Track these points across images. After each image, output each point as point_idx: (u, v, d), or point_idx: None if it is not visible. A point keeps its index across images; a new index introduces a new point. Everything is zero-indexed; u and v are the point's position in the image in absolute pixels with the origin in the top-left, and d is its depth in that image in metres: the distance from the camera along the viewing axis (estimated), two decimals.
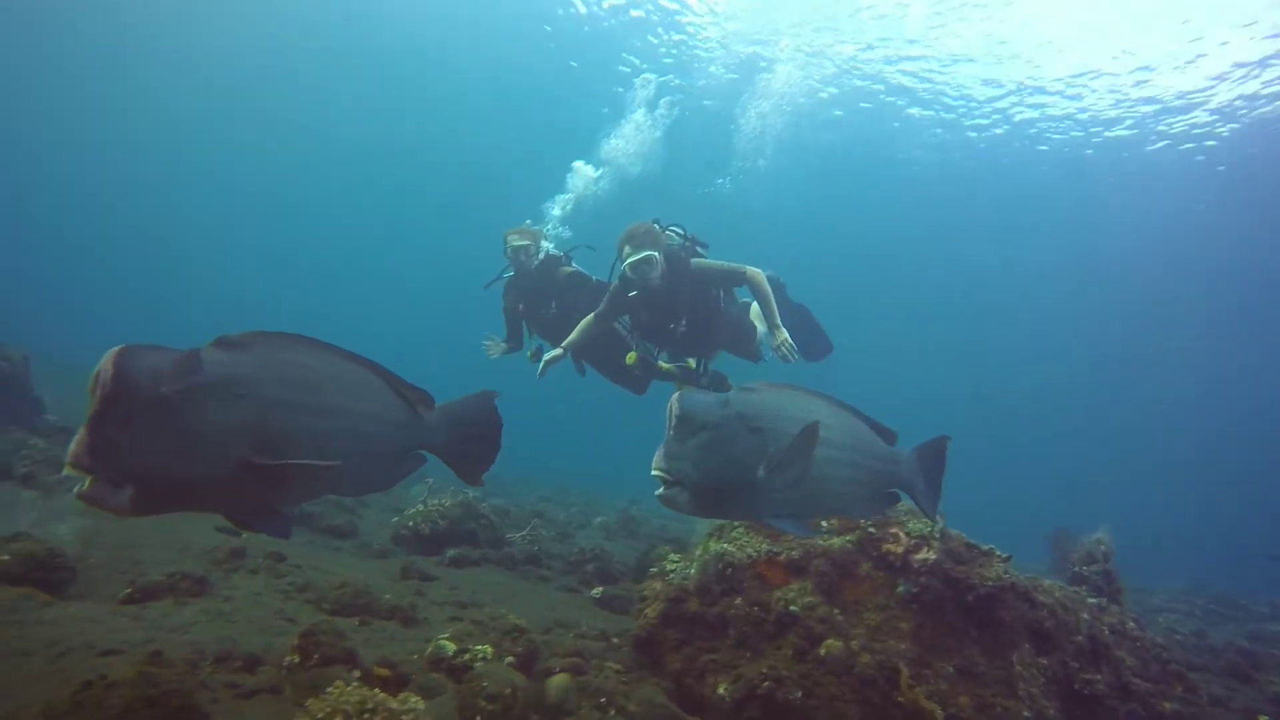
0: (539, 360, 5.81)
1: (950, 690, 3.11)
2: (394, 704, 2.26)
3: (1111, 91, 16.39)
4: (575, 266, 5.98)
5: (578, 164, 8.70)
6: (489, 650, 3.09)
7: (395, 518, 6.93)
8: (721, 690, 3.20)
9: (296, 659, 2.76)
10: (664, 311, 5.15)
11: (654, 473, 2.83)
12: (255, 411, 1.98)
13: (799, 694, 3.05)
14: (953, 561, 3.37)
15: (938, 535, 3.45)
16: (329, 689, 2.30)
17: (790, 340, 4.86)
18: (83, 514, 3.52)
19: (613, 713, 2.98)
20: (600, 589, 5.09)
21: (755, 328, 5.79)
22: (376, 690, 2.28)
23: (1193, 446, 38.62)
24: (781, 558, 3.56)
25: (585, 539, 7.51)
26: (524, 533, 6.38)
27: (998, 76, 16.69)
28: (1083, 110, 17.36)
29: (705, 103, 18.74)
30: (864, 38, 16.02)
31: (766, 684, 3.05)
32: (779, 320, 4.93)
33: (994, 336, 34.51)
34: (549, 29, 19.17)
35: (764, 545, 3.63)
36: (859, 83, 17.79)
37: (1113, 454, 40.49)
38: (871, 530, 3.51)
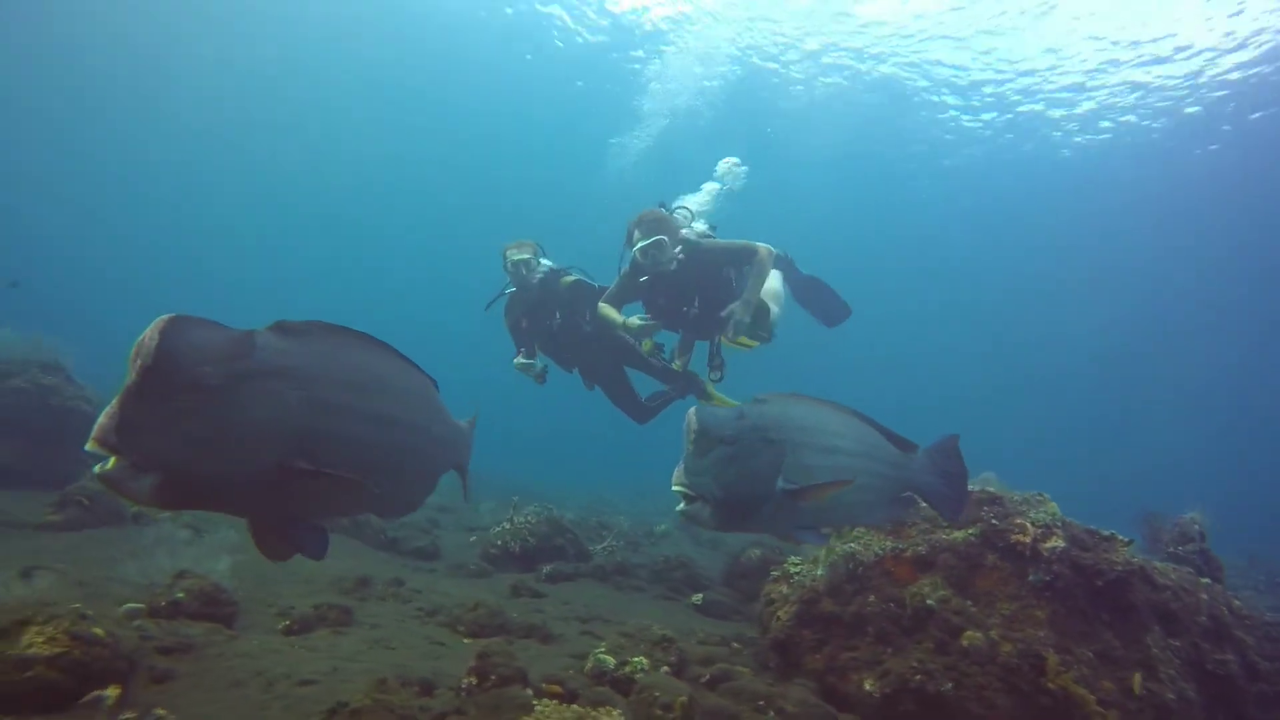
0: (543, 383, 5.87)
1: (1093, 675, 3.19)
2: (605, 718, 2.36)
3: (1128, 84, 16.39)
4: (577, 276, 5.87)
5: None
6: (645, 661, 3.19)
7: (472, 536, 7.07)
8: (868, 686, 3.29)
9: (474, 680, 2.85)
10: (677, 294, 5.23)
11: (675, 488, 2.89)
12: (303, 410, 1.80)
13: (949, 685, 3.13)
14: (1078, 548, 3.45)
15: (1060, 523, 3.54)
16: (538, 706, 2.40)
17: (745, 323, 4.81)
18: (231, 550, 3.64)
19: (772, 714, 3.07)
20: (700, 596, 5.18)
21: (769, 308, 5.86)
22: (586, 707, 2.37)
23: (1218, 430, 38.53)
24: (908, 554, 3.65)
25: (659, 548, 7.60)
26: (604, 545, 6.46)
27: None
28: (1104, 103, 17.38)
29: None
30: (897, 27, 16.09)
31: (918, 677, 3.14)
32: (752, 301, 4.91)
33: (1032, 327, 34.38)
34: (560, 45, 19.44)
35: (888, 543, 3.72)
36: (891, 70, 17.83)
37: (1145, 435, 40.26)
38: (995, 522, 3.59)
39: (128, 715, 2.09)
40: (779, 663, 3.71)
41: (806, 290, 6.49)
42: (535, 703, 2.41)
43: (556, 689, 2.94)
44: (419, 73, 22.61)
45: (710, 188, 7.72)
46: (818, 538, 3.10)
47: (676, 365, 5.91)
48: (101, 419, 1.52)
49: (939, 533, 3.70)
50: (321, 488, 1.84)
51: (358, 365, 2.01)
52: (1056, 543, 3.41)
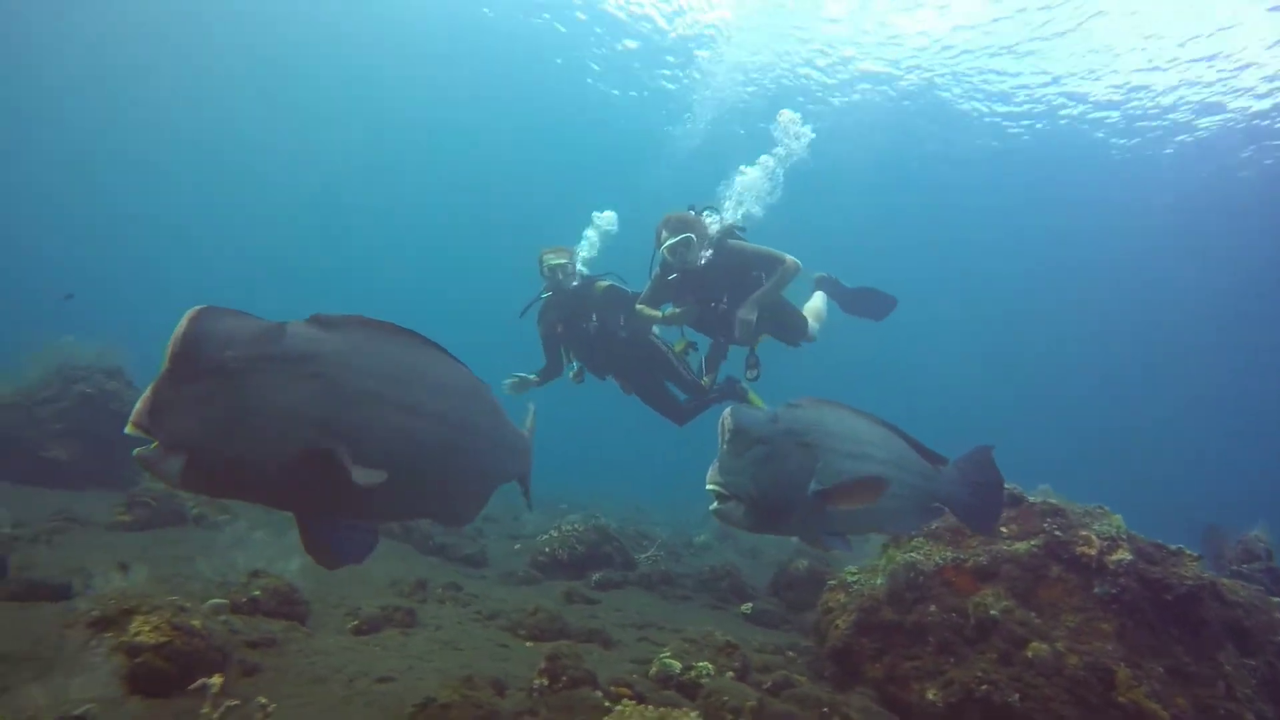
0: (581, 381, 5.98)
1: (1165, 691, 3.14)
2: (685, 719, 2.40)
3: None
4: (611, 281, 5.89)
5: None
6: (710, 666, 3.21)
7: (517, 545, 7.14)
8: (930, 696, 3.27)
9: (545, 682, 2.90)
10: (705, 291, 5.32)
11: (709, 487, 2.88)
12: (329, 396, 1.78)
13: (1015, 697, 3.10)
14: (1145, 562, 3.41)
15: (1125, 536, 3.50)
16: (618, 708, 2.44)
17: (751, 322, 4.98)
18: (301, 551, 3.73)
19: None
20: (749, 605, 5.18)
21: (806, 320, 5.91)
22: (666, 708, 2.40)
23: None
24: (969, 564, 3.63)
25: (699, 558, 7.61)
26: (648, 554, 6.49)
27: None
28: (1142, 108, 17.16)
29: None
30: (926, 36, 16.09)
31: (984, 688, 3.12)
32: (762, 304, 5.08)
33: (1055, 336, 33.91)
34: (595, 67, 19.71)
35: (948, 553, 3.71)
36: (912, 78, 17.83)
37: (1186, 446, 39.28)
38: (1058, 534, 3.56)
39: (232, 703, 2.17)
40: (837, 671, 3.71)
41: (855, 300, 6.56)
42: (614, 704, 2.45)
43: (626, 691, 2.98)
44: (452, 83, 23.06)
45: (765, 161, 7.63)
46: (844, 544, 3.09)
47: (705, 381, 5.96)
48: (138, 403, 1.60)
49: (1000, 544, 3.68)
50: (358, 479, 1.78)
51: (392, 357, 1.96)
52: (1123, 555, 3.37)
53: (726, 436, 2.84)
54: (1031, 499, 3.80)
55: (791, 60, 17.61)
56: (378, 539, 2.05)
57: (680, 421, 6.32)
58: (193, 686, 2.19)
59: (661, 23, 17.44)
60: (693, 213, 5.36)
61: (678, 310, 5.37)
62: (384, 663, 2.93)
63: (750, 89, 18.85)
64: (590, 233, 7.15)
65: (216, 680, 2.11)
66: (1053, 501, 3.72)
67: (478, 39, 20.01)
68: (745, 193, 6.78)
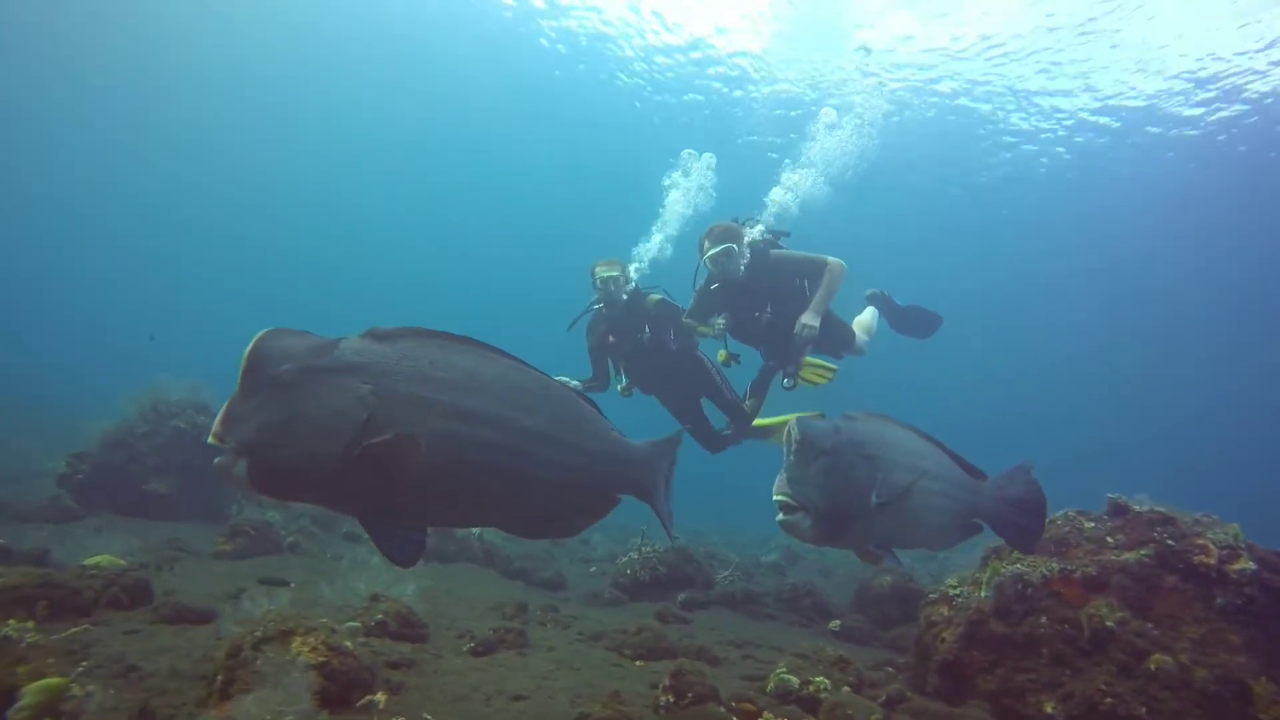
0: (629, 395, 5.96)
1: None
2: None
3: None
4: (662, 295, 5.92)
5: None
6: (826, 681, 3.23)
7: (592, 567, 7.22)
8: (1049, 709, 3.23)
9: (671, 699, 2.96)
10: (749, 300, 5.32)
11: (776, 498, 2.86)
12: (373, 401, 1.88)
13: (1143, 710, 3.06)
14: (1269, 571, 3.34)
15: (1244, 545, 3.43)
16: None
17: (813, 328, 4.95)
18: (416, 575, 3.86)
19: None
20: (837, 622, 5.16)
21: (853, 333, 5.88)
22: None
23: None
24: (1076, 575, 3.60)
25: (769, 578, 7.59)
26: (725, 574, 6.51)
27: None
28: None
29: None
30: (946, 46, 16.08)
31: (1109, 700, 3.08)
32: (822, 311, 5.07)
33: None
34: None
35: (1054, 564, 3.68)
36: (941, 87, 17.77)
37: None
38: (1171, 543, 3.51)
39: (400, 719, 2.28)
40: (943, 684, 3.68)
41: (904, 318, 6.53)
42: None
43: (750, 707, 3.02)
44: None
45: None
46: (893, 558, 3.07)
47: (748, 405, 5.96)
48: (217, 416, 1.81)
49: (1107, 554, 3.64)
50: (415, 483, 1.91)
51: (448, 363, 2.01)
52: (1245, 565, 3.31)
53: (793, 447, 2.84)
54: (1137, 508, 3.75)
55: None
56: (425, 545, 2.10)
57: (713, 449, 6.27)
58: (360, 703, 2.30)
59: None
60: (734, 222, 5.41)
61: (719, 321, 5.42)
62: (513, 682, 3.02)
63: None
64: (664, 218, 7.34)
65: (381, 697, 2.21)
66: (1161, 510, 3.66)
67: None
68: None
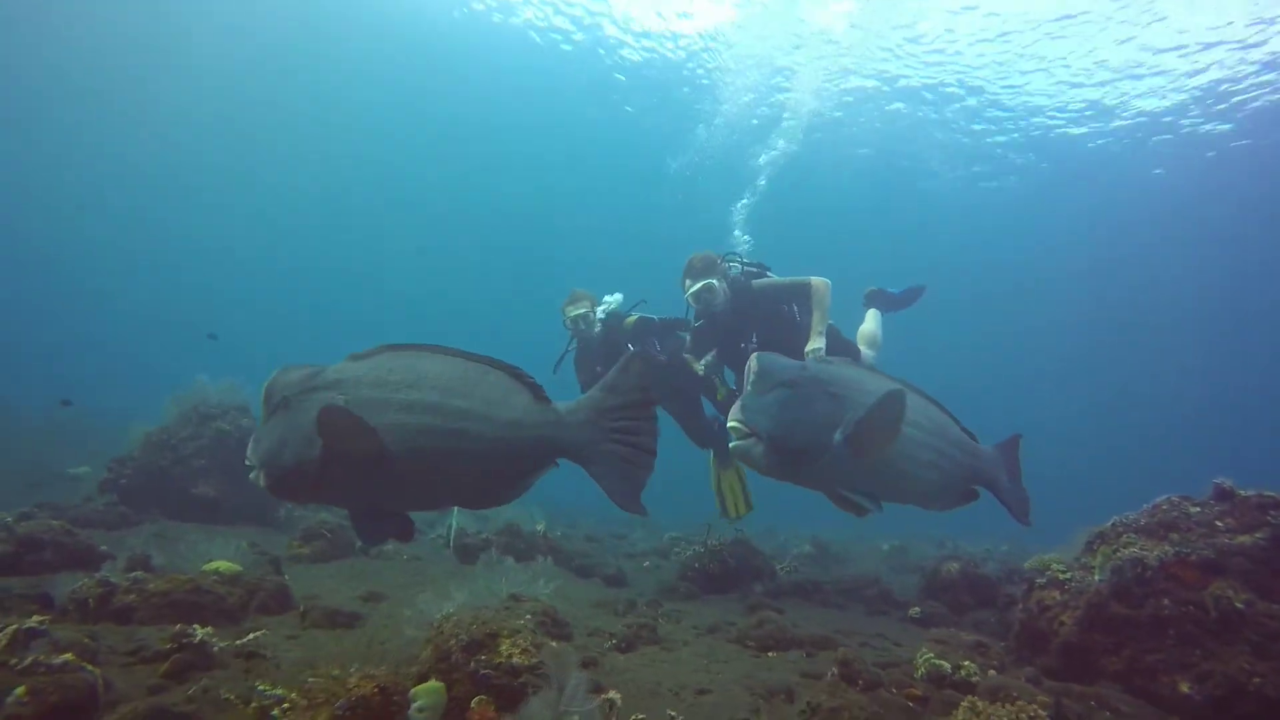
0: None
1: None
2: (1027, 713, 2.50)
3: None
4: (637, 315, 6.04)
5: None
6: (974, 665, 3.31)
7: (645, 562, 7.24)
8: (1185, 689, 3.35)
9: (843, 686, 3.01)
10: (734, 332, 5.42)
11: (729, 424, 2.94)
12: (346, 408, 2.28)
13: None
14: None
15: None
16: (961, 704, 2.55)
17: (821, 350, 4.97)
18: (549, 576, 3.86)
19: (1108, 715, 3.17)
20: (917, 609, 5.26)
21: (858, 350, 5.97)
22: (1021, 703, 2.51)
23: None
24: (1193, 558, 3.73)
25: (800, 571, 7.70)
26: (783, 565, 6.58)
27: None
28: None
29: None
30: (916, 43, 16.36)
31: (1256, 680, 3.20)
32: (822, 330, 5.10)
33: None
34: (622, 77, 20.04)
35: (1167, 547, 3.80)
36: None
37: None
38: None
39: (641, 715, 2.28)
40: (1063, 666, 3.79)
41: (900, 303, 6.73)
42: (962, 703, 2.55)
43: (915, 692, 3.08)
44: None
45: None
46: (874, 505, 3.11)
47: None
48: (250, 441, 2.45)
49: (1220, 537, 3.77)
50: (383, 473, 2.34)
51: (405, 367, 2.42)
52: None
53: (751, 378, 2.89)
54: (1243, 492, 3.90)
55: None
56: (413, 525, 2.61)
57: (702, 444, 6.45)
58: (597, 701, 2.30)
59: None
60: (712, 254, 5.41)
61: (708, 358, 5.52)
62: (687, 677, 3.04)
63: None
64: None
65: (616, 695, 2.22)
66: (1271, 494, 3.81)
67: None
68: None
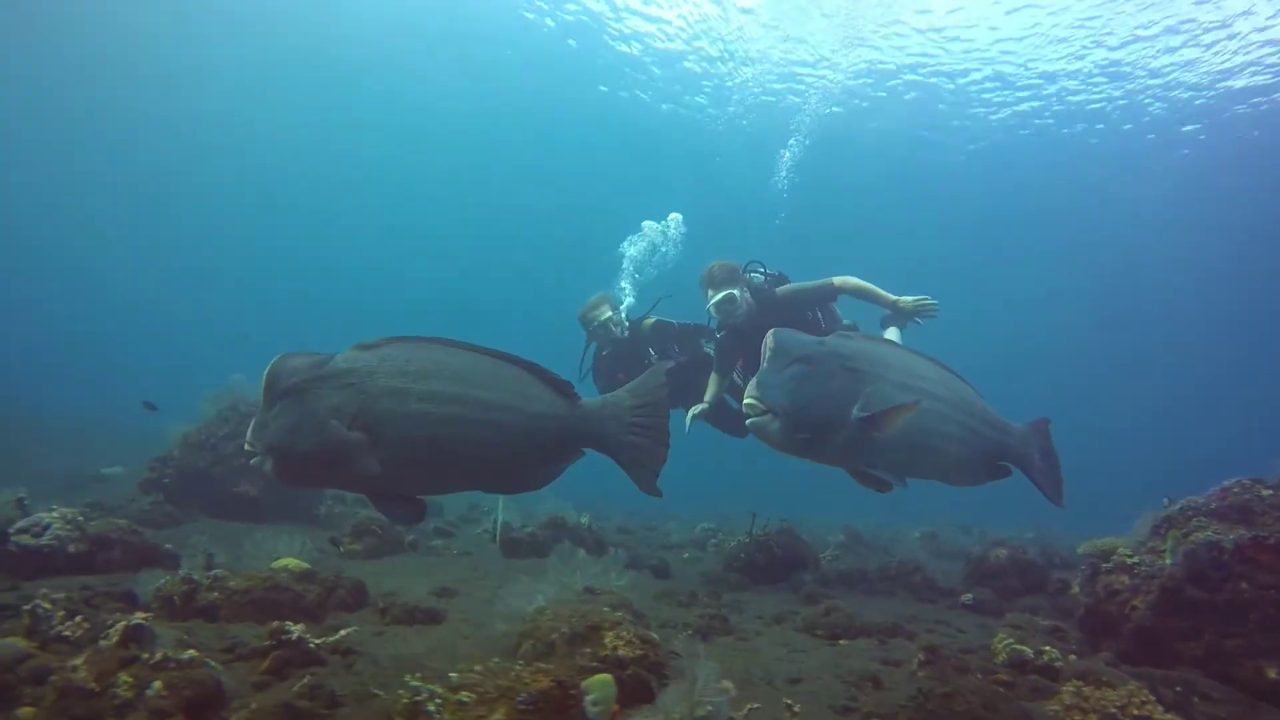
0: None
1: None
2: (1138, 699, 2.48)
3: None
4: (655, 317, 6.08)
5: None
6: (1055, 651, 3.28)
7: (685, 554, 7.22)
8: (1272, 674, 3.32)
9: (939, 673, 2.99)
10: (755, 342, 5.30)
11: (746, 401, 2.89)
12: (360, 396, 2.36)
13: None
14: None
15: None
16: (1064, 689, 2.52)
17: (924, 300, 4.91)
18: (621, 568, 3.84)
19: (1197, 699, 3.14)
20: (970, 595, 5.23)
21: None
22: (1118, 689, 2.48)
23: None
24: (1270, 541, 3.69)
25: (849, 556, 7.68)
26: (825, 554, 6.57)
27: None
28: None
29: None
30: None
31: None
32: (892, 297, 5.00)
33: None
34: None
35: (1242, 530, 3.77)
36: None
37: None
38: None
39: (754, 704, 2.27)
40: (1137, 651, 3.76)
41: None
42: (1065, 687, 2.53)
43: (1002, 677, 3.06)
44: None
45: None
46: (896, 480, 3.05)
47: None
48: (249, 428, 2.43)
49: None
50: (396, 458, 2.39)
51: (420, 358, 2.46)
52: None
53: (767, 354, 2.85)
54: None
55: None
56: (424, 507, 2.65)
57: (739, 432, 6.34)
58: None
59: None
60: (732, 263, 5.33)
61: (735, 374, 5.51)
62: (769, 666, 3.03)
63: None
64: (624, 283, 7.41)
65: (729, 685, 2.20)
66: None
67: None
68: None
